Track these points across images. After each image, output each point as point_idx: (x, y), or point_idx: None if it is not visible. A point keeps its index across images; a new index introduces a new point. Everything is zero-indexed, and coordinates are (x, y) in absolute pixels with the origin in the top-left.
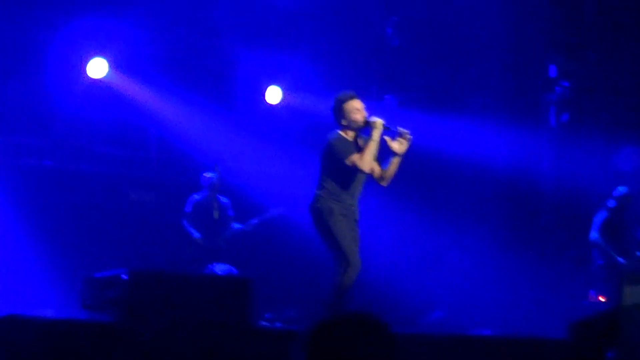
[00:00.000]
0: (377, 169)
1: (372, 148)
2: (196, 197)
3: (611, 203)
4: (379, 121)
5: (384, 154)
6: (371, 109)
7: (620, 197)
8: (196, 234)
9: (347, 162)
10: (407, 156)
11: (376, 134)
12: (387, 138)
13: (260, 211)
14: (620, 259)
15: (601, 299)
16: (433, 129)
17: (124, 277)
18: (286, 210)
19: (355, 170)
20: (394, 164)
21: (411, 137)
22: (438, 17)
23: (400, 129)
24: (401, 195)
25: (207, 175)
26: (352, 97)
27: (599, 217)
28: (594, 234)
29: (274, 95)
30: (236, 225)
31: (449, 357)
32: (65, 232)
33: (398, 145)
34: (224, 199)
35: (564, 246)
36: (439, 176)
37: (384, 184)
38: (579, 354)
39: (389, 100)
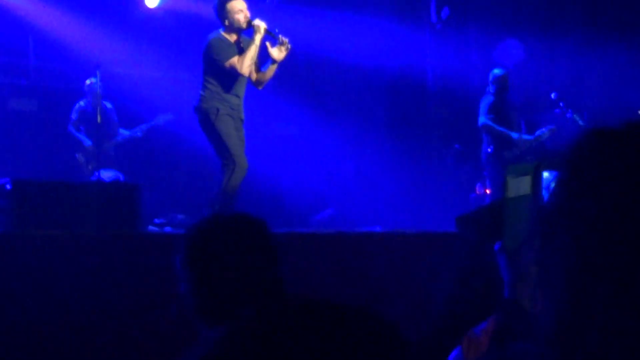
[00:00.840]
0: (254, 73)
1: (252, 52)
2: (81, 104)
3: (491, 88)
4: (261, 25)
5: (263, 57)
6: (253, 9)
7: (497, 79)
8: (86, 141)
9: (226, 64)
10: (294, 55)
11: (257, 38)
12: (268, 43)
13: (146, 117)
14: (514, 134)
15: (487, 191)
16: (316, 27)
17: (8, 186)
18: (173, 116)
19: (235, 73)
20: (271, 70)
21: (290, 46)
22: None
23: (281, 37)
24: (289, 95)
25: (89, 81)
26: None
27: (484, 103)
28: (482, 119)
29: None
30: (124, 132)
31: (340, 255)
32: None
33: (277, 52)
34: (108, 105)
35: (450, 141)
36: (324, 75)
37: (260, 87)
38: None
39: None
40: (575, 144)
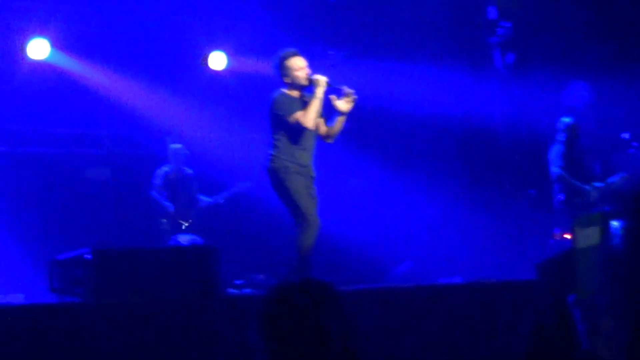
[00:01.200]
0: (322, 126)
1: (315, 105)
2: (165, 169)
3: (561, 136)
4: (322, 79)
5: (330, 112)
6: (316, 66)
7: (568, 128)
8: (169, 206)
9: (291, 119)
10: (360, 110)
11: (319, 91)
12: (332, 97)
13: (221, 182)
14: (586, 187)
15: (566, 236)
16: (381, 80)
17: (87, 256)
18: (252, 184)
19: (300, 127)
20: (339, 122)
21: (356, 96)
22: None
23: (345, 88)
24: (358, 149)
25: (173, 146)
26: (293, 55)
27: (555, 152)
28: (554, 169)
29: (217, 60)
30: (205, 199)
31: (421, 308)
32: (26, 216)
33: (343, 104)
34: (188, 170)
35: (524, 186)
36: (392, 127)
37: (330, 141)
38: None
39: (334, 54)
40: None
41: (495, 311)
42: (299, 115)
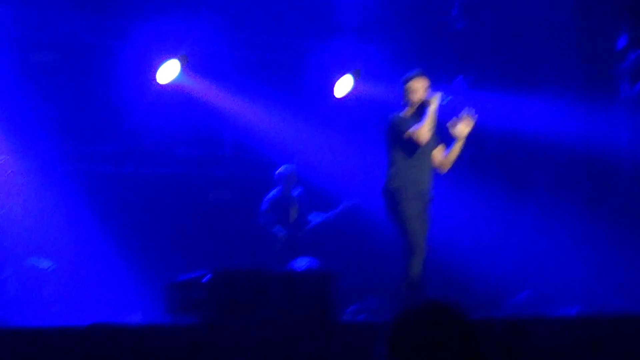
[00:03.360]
0: (439, 154)
1: (428, 118)
2: (272, 194)
3: None
4: (435, 96)
5: (448, 141)
6: (442, 93)
7: None
8: (280, 231)
9: (406, 135)
10: (483, 137)
11: (432, 107)
12: (449, 124)
13: (335, 202)
14: None
15: None
16: (506, 108)
17: (206, 278)
18: (360, 200)
19: (415, 144)
20: (456, 148)
21: (475, 117)
22: None
23: (464, 112)
24: (479, 175)
25: (282, 168)
26: (416, 76)
27: None
28: None
29: (345, 85)
30: (315, 218)
31: (538, 339)
32: (148, 237)
33: (460, 129)
34: (298, 190)
35: None
36: (515, 156)
37: (444, 170)
38: None
39: (459, 82)
40: None
41: (614, 345)
42: (412, 129)
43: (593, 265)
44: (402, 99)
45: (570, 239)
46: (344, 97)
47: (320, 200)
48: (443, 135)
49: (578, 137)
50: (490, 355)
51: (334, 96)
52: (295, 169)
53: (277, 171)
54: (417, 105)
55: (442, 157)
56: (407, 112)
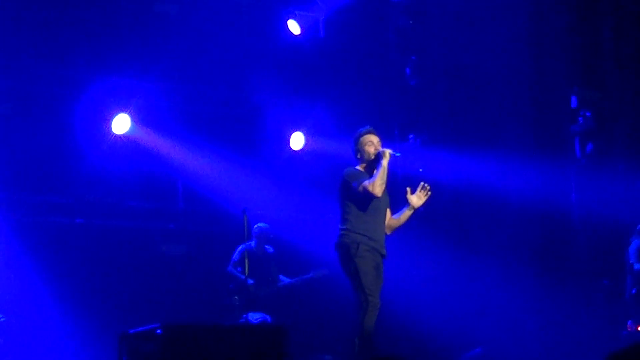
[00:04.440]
0: (388, 215)
1: (381, 172)
2: (244, 245)
3: None
4: (387, 150)
5: (400, 203)
6: (393, 148)
7: None
8: (247, 280)
9: (359, 188)
10: (437, 194)
11: (384, 161)
12: (408, 189)
13: (303, 265)
14: None
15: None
16: (459, 166)
17: (158, 331)
18: (328, 272)
19: (369, 197)
20: (405, 215)
21: (429, 192)
22: (456, 54)
23: (423, 184)
24: (431, 232)
25: (259, 225)
26: (368, 132)
27: (635, 246)
28: (638, 265)
29: (297, 141)
30: (284, 278)
31: None
32: (99, 289)
33: (416, 199)
34: (270, 249)
35: (597, 276)
36: (467, 212)
37: (389, 232)
38: None
39: (412, 139)
40: None
41: None
42: (366, 182)
43: (543, 322)
44: (356, 153)
45: (521, 296)
46: (299, 151)
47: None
48: (394, 196)
49: (530, 195)
50: None
51: (287, 150)
52: (269, 228)
53: (256, 226)
54: (369, 160)
55: (390, 218)
56: (361, 167)
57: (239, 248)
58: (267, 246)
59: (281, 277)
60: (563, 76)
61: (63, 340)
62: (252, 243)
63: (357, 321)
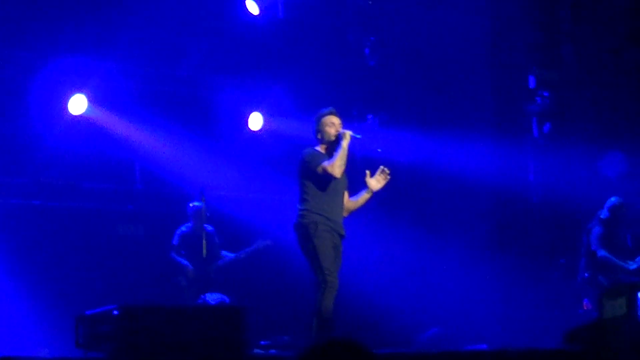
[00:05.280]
0: (345, 198)
1: (340, 153)
2: (183, 229)
3: (604, 214)
4: (347, 132)
5: (359, 186)
6: (353, 130)
7: (613, 207)
8: (187, 265)
9: (318, 169)
10: (395, 174)
11: (345, 142)
12: (367, 172)
13: (247, 238)
14: (630, 266)
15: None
16: (417, 146)
17: (115, 312)
18: (273, 241)
19: (328, 178)
20: (364, 198)
21: (389, 177)
22: (415, 35)
23: (382, 167)
24: (390, 212)
25: (193, 204)
26: (330, 113)
27: (597, 232)
28: (600, 252)
29: (255, 121)
30: (227, 254)
31: None
32: (55, 271)
33: (374, 182)
34: (209, 227)
35: (554, 255)
36: (426, 192)
37: (345, 214)
38: None
39: (370, 119)
40: None
41: None
42: (325, 164)
43: (500, 301)
44: (316, 134)
45: (478, 275)
46: (257, 132)
47: (232, 235)
48: (352, 177)
49: (489, 175)
50: None
51: (246, 131)
52: (205, 205)
53: (190, 205)
54: (329, 142)
55: (347, 200)
56: (320, 148)
57: (177, 231)
58: (205, 225)
59: (224, 252)
60: (521, 56)
61: (19, 321)
62: (190, 224)
63: (315, 301)
